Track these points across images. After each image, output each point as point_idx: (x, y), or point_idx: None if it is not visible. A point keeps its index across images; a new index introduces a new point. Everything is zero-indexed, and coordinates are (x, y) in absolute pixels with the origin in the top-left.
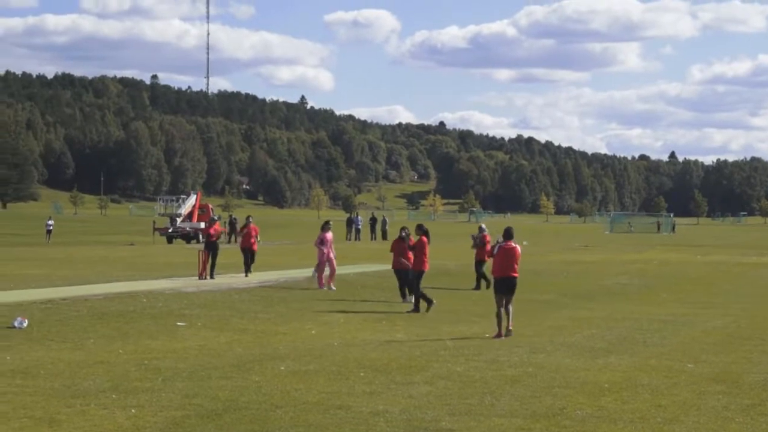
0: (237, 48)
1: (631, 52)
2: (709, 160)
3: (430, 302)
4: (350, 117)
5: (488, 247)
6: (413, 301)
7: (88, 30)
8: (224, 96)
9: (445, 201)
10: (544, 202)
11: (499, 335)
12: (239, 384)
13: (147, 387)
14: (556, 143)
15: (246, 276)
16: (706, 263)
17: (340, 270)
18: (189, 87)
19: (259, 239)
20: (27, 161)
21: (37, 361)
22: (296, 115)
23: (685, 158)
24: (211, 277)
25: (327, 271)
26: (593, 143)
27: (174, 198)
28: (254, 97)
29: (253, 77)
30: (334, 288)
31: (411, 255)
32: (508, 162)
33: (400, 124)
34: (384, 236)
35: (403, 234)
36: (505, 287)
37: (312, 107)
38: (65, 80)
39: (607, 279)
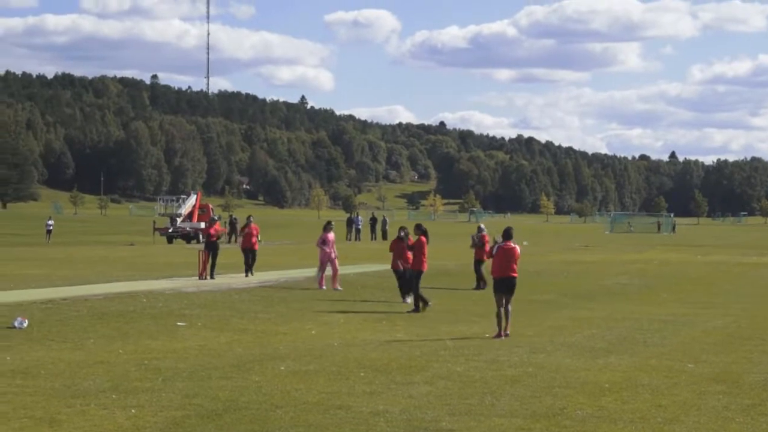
0: (237, 48)
1: (632, 52)
2: (709, 160)
3: (425, 303)
4: (350, 117)
5: (487, 247)
6: (413, 301)
7: (88, 30)
8: (224, 96)
9: (446, 201)
10: (545, 202)
11: (499, 335)
12: (239, 384)
13: (147, 387)
14: (556, 143)
15: (246, 276)
16: (707, 263)
17: (340, 270)
18: (189, 87)
19: (260, 239)
20: (27, 161)
21: (38, 361)
22: (296, 115)
23: (685, 158)
24: (212, 277)
25: (329, 271)
26: (593, 143)
27: (174, 198)
28: (254, 97)
29: (253, 77)
30: (340, 288)
31: (410, 255)
32: (508, 162)
33: (400, 124)
34: (384, 236)
35: (402, 234)
36: (504, 287)
37: (312, 107)
38: (65, 80)
39: (607, 279)
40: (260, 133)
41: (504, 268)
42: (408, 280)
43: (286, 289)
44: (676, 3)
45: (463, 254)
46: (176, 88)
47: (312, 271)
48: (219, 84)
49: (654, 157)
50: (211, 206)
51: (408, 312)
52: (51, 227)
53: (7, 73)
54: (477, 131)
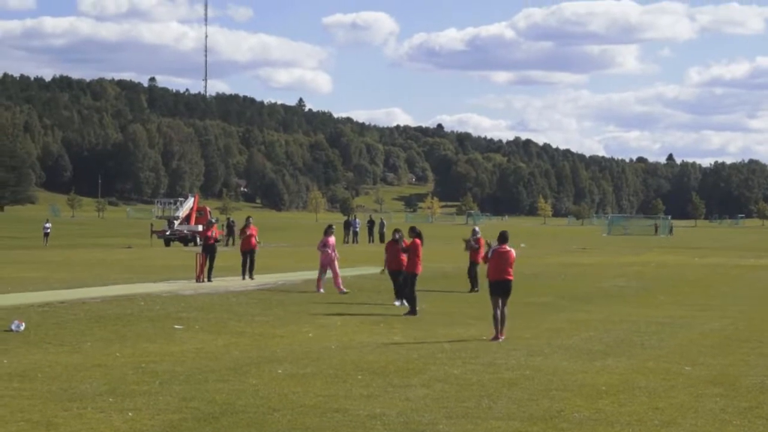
0: (235, 50)
1: (629, 54)
2: (706, 162)
3: (413, 310)
4: (348, 119)
5: (482, 250)
6: (407, 303)
7: (86, 32)
8: (222, 98)
9: (443, 203)
10: (542, 205)
11: (495, 338)
12: (236, 387)
13: (144, 390)
14: (554, 145)
15: (244, 279)
16: (704, 265)
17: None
18: (187, 89)
19: (259, 240)
20: (24, 164)
21: (35, 365)
22: (294, 117)
23: (682, 160)
24: (209, 279)
25: (329, 274)
26: (591, 145)
27: (171, 201)
28: (252, 100)
29: (251, 80)
30: (345, 290)
31: (404, 257)
32: (506, 164)
33: (398, 127)
34: (381, 239)
35: (397, 236)
36: (500, 290)
37: (310, 110)
38: (63, 83)
39: (604, 281)
40: (258, 136)
41: (500, 271)
42: (402, 284)
43: (284, 292)
44: (673, 5)
45: (460, 257)
46: (174, 91)
47: (309, 274)
48: (217, 86)
49: (651, 159)
50: (208, 209)
51: (405, 315)
52: (48, 230)
53: (5, 75)
54: (475, 134)
